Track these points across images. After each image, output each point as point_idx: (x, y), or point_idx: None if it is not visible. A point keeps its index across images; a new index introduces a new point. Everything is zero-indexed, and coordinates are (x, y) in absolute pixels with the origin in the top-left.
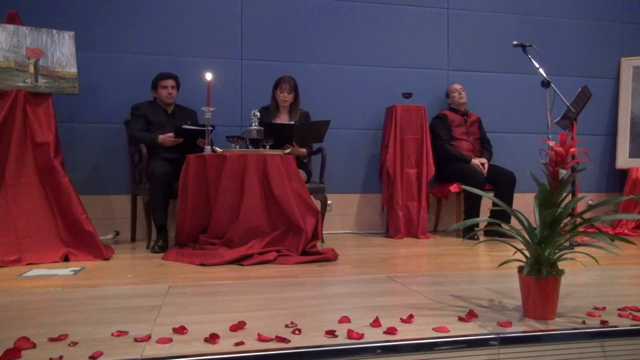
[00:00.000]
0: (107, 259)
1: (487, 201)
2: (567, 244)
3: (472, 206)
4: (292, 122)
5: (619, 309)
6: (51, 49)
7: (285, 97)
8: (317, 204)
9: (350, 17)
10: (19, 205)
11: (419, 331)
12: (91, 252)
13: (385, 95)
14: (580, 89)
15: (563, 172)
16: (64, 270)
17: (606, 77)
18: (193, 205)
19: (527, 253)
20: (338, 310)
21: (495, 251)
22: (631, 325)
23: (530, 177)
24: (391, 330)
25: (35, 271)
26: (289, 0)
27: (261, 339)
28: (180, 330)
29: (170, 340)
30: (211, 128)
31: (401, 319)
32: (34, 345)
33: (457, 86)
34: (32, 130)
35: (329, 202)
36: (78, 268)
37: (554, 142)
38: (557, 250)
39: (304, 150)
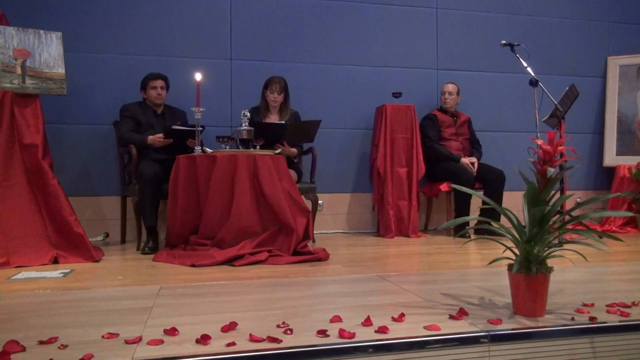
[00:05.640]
0: (96, 261)
1: (477, 200)
2: (555, 241)
3: (462, 205)
4: (283, 122)
5: (607, 305)
6: (38, 50)
7: (275, 97)
8: (308, 203)
9: (339, 17)
10: (7, 208)
11: (410, 330)
12: (81, 254)
13: (375, 94)
14: (567, 88)
15: (551, 170)
16: (53, 273)
17: (593, 75)
18: (183, 206)
19: (516, 251)
20: (329, 309)
21: (485, 249)
22: (619, 322)
23: (519, 175)
24: (382, 329)
25: (24, 274)
26: (278, 0)
27: (253, 339)
28: (172, 331)
29: (162, 341)
30: (201, 128)
31: (392, 317)
32: (23, 349)
33: (449, 88)
34: (20, 132)
35: (319, 201)
36: (67, 270)
37: (542, 141)
38: (546, 248)
39: (294, 150)
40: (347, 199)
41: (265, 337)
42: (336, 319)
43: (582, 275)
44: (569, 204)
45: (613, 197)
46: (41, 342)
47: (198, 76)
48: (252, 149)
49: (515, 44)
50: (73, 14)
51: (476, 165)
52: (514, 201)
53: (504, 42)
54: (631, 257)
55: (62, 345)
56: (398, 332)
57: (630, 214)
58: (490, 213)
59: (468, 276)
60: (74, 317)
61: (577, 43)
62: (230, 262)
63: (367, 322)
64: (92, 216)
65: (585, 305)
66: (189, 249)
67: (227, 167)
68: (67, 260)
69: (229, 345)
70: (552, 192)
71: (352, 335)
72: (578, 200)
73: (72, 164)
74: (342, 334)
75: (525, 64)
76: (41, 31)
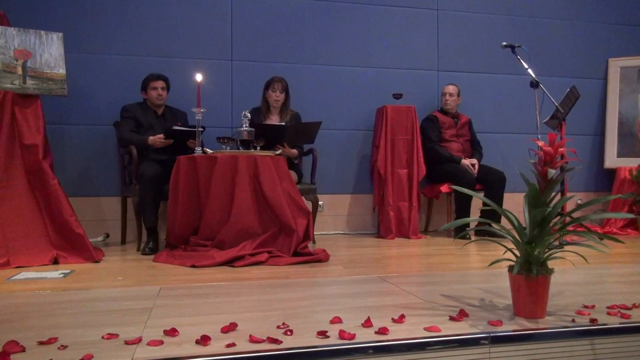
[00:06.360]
0: (97, 262)
1: (478, 201)
2: (556, 243)
3: (462, 206)
4: (284, 123)
5: (607, 307)
6: (39, 50)
7: (277, 96)
8: (309, 204)
9: (340, 18)
10: (7, 208)
11: (411, 331)
12: (81, 255)
13: (375, 96)
14: (568, 90)
15: (552, 172)
16: (54, 273)
17: (594, 77)
18: (184, 206)
19: (517, 252)
20: (330, 310)
21: (486, 251)
22: (620, 324)
23: (520, 177)
24: (383, 331)
25: (25, 274)
26: (279, 1)
27: (253, 340)
28: (172, 332)
29: (162, 342)
30: (202, 129)
31: (393, 319)
32: (23, 349)
33: (450, 89)
34: (20, 132)
35: (320, 202)
36: (68, 271)
37: (543, 142)
38: (546, 250)
39: (295, 151)
40: (348, 200)
41: (265, 338)
42: (336, 320)
43: (583, 277)
44: (569, 206)
45: (614, 198)
46: (41, 343)
47: (199, 77)
48: (252, 150)
49: (516, 45)
50: (74, 14)
51: (477, 166)
52: (514, 203)
53: (505, 43)
54: (632, 259)
55: (61, 345)
56: (398, 334)
57: (631, 215)
58: (491, 214)
59: (468, 277)
60: (73, 318)
61: (578, 45)
62: (230, 262)
63: (368, 323)
64: (93, 217)
65: (585, 307)
66: (189, 249)
67: (227, 168)
68: (67, 261)
69: (229, 346)
70: (553, 193)
71: (352, 337)
72: (579, 201)
73: (73, 165)
74: (342, 335)
75: (526, 66)
76: (42, 32)
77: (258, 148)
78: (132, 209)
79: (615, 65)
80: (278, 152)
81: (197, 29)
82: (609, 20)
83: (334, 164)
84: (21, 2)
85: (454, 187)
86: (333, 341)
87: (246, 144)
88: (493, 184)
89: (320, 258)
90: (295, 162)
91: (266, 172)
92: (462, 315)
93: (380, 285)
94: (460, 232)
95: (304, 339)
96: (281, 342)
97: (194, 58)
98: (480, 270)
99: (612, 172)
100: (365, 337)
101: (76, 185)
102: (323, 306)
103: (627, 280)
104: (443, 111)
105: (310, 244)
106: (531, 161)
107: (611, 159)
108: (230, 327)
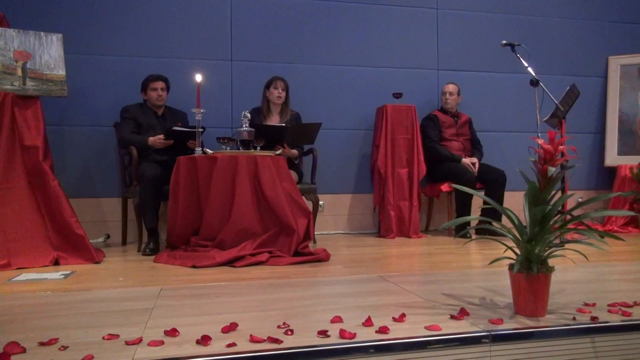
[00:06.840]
0: (97, 263)
1: (478, 200)
2: (557, 241)
3: (463, 205)
4: (284, 124)
5: (608, 305)
6: (39, 52)
7: (279, 93)
8: (309, 204)
9: (340, 18)
10: (8, 209)
11: (411, 330)
12: (81, 256)
13: (375, 95)
14: (568, 88)
15: (552, 170)
16: (54, 274)
17: (594, 75)
18: (184, 207)
19: (517, 251)
20: (330, 310)
21: (487, 249)
22: (621, 321)
23: (520, 175)
24: (383, 330)
25: (25, 275)
26: (279, 1)
27: (253, 340)
28: (172, 332)
29: (162, 342)
30: (202, 129)
31: (393, 318)
32: (23, 350)
33: (449, 88)
34: (20, 134)
35: (320, 202)
36: (68, 272)
37: (543, 140)
38: (547, 248)
39: (295, 152)
40: (348, 199)
41: (265, 338)
42: (337, 320)
43: (584, 275)
44: (570, 204)
45: (614, 196)
46: (41, 344)
47: (198, 77)
48: (252, 150)
49: (516, 44)
50: (73, 15)
51: (477, 165)
52: (515, 201)
53: (505, 42)
54: (633, 256)
55: (62, 346)
56: (399, 333)
57: (631, 213)
58: (492, 213)
59: (469, 276)
60: (74, 319)
61: (578, 43)
62: (231, 263)
63: (368, 323)
64: (93, 218)
65: (586, 305)
66: (190, 250)
67: (227, 168)
68: (68, 262)
69: (229, 346)
70: (553, 191)
71: (353, 336)
72: (579, 200)
73: (73, 166)
74: (342, 334)
75: (526, 64)
76: (42, 33)
77: (258, 148)
78: (132, 210)
79: (616, 63)
80: (278, 152)
81: (197, 29)
82: (609, 18)
83: (335, 164)
84: (21, 3)
85: (455, 186)
86: (334, 340)
87: (246, 144)
88: (493, 182)
89: (321, 258)
90: (296, 162)
91: (266, 172)
92: (462, 313)
93: (380, 285)
94: (460, 231)
95: (304, 339)
96: (282, 341)
97: (194, 58)
98: (481, 269)
99: (613, 170)
100: (366, 336)
101: (76, 186)
102: (323, 305)
103: (628, 277)
104: (443, 110)
105: (310, 244)
106: (531, 159)
107: (612, 157)
108: (231, 327)
